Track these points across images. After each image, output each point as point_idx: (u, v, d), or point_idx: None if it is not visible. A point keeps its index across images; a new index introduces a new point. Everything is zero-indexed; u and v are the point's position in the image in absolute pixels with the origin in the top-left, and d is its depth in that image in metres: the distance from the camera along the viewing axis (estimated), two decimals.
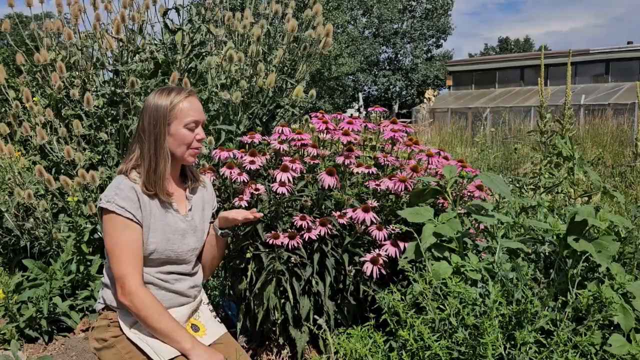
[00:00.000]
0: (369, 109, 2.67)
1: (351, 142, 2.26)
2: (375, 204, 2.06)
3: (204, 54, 3.53)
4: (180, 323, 1.63)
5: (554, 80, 16.61)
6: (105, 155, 3.24)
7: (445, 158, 2.24)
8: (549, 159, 3.39)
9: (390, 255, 1.94)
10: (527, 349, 1.36)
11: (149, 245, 1.57)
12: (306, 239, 2.00)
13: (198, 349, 1.52)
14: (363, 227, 2.02)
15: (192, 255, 1.69)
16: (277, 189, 2.00)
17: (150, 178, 1.58)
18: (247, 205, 2.04)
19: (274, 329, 2.19)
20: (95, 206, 2.90)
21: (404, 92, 33.40)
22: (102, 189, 2.98)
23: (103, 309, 1.63)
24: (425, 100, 16.22)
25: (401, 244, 1.96)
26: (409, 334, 1.42)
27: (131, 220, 1.53)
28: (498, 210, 2.23)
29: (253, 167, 2.08)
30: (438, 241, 1.70)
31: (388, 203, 2.17)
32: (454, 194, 1.97)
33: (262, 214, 1.79)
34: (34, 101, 3.15)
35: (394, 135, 2.28)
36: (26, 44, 3.68)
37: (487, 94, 19.06)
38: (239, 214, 1.74)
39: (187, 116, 1.60)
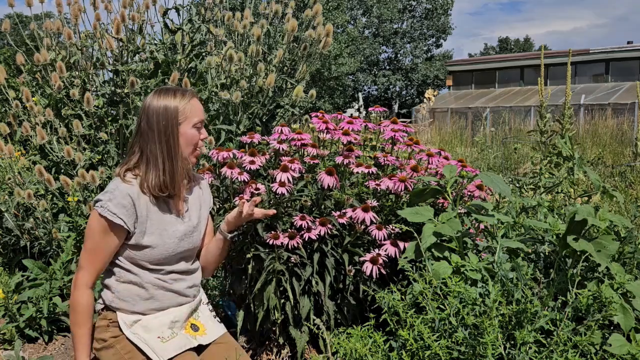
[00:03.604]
0: (369, 109, 2.67)
1: (351, 142, 2.25)
2: (375, 203, 2.06)
3: (204, 54, 3.53)
4: (180, 322, 1.64)
5: (554, 80, 16.63)
6: (105, 155, 3.24)
7: (446, 158, 2.24)
8: (549, 158, 3.39)
9: (390, 255, 1.94)
10: (527, 348, 1.36)
11: (144, 248, 1.58)
12: (306, 239, 2.00)
13: None
14: (363, 227, 2.02)
15: (188, 254, 1.69)
16: (276, 189, 2.00)
17: (164, 179, 1.58)
18: None
19: (274, 329, 2.19)
20: None
21: (404, 92, 33.42)
22: (102, 189, 2.98)
23: (103, 309, 1.63)
24: (425, 100, 16.24)
25: (401, 244, 1.96)
26: (409, 334, 1.42)
27: (121, 226, 1.53)
28: (498, 210, 2.23)
29: (253, 167, 2.08)
30: (438, 241, 1.70)
31: (388, 203, 2.17)
32: (454, 194, 1.97)
33: (274, 211, 1.87)
34: (34, 101, 3.15)
35: (394, 135, 2.28)
36: (26, 44, 3.68)
37: (487, 94, 19.06)
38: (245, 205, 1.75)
39: (195, 116, 1.62)
